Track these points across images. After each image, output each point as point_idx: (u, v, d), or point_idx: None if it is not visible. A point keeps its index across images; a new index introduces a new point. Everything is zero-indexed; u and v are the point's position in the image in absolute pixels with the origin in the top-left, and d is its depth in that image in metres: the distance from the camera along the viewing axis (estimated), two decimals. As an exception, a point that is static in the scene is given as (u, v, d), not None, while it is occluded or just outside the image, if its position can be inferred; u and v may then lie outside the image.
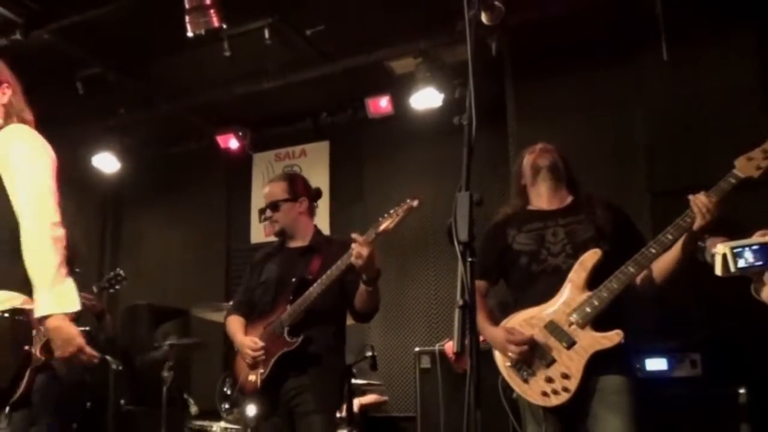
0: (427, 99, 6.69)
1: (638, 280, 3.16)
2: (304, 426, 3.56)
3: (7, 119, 2.97)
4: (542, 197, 3.43)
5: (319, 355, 3.64)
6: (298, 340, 3.57)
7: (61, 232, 2.78)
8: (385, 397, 6.40)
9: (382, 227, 3.40)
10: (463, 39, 6.37)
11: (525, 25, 4.83)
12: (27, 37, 5.94)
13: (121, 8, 5.72)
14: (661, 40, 5.26)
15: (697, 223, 2.90)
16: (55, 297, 2.68)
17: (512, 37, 5.71)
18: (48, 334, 2.72)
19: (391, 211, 3.44)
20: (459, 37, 6.12)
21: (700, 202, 2.90)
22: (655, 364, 4.47)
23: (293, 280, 3.74)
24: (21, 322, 2.76)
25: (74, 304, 2.72)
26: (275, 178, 4.20)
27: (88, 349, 2.77)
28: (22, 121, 3.00)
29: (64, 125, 7.35)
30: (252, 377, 3.72)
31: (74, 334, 2.71)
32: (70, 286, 2.74)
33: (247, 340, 3.74)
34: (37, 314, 2.68)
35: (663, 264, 3.12)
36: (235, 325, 3.97)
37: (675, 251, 3.06)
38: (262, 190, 4.11)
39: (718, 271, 2.32)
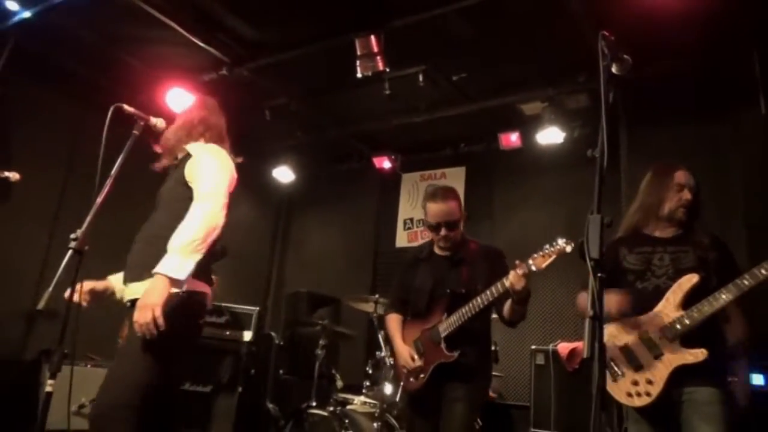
0: (550, 136, 6.73)
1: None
2: (449, 410, 3.44)
3: (208, 140, 3.22)
4: (659, 228, 3.28)
5: (471, 367, 3.52)
6: (455, 354, 3.47)
7: (217, 231, 2.79)
8: (495, 395, 6.31)
9: (535, 267, 3.21)
10: (583, 89, 6.44)
11: (637, 79, 4.83)
12: (231, 73, 6.29)
13: (304, 54, 6.04)
14: (759, 96, 5.12)
15: None
16: (176, 263, 2.63)
17: (626, 87, 5.72)
18: (147, 289, 2.62)
19: (546, 250, 3.23)
20: (580, 87, 6.22)
21: None
22: (753, 379, 4.12)
23: (447, 291, 3.61)
24: (196, 300, 2.85)
25: (181, 275, 2.62)
26: (447, 194, 3.74)
27: (158, 322, 2.57)
28: (219, 143, 3.22)
29: (252, 143, 7.78)
30: (413, 379, 3.64)
31: (157, 303, 2.57)
32: (191, 265, 2.66)
33: (405, 353, 3.67)
34: (157, 269, 2.62)
35: None
36: (393, 324, 3.88)
37: None
38: (432, 205, 3.72)
39: None
